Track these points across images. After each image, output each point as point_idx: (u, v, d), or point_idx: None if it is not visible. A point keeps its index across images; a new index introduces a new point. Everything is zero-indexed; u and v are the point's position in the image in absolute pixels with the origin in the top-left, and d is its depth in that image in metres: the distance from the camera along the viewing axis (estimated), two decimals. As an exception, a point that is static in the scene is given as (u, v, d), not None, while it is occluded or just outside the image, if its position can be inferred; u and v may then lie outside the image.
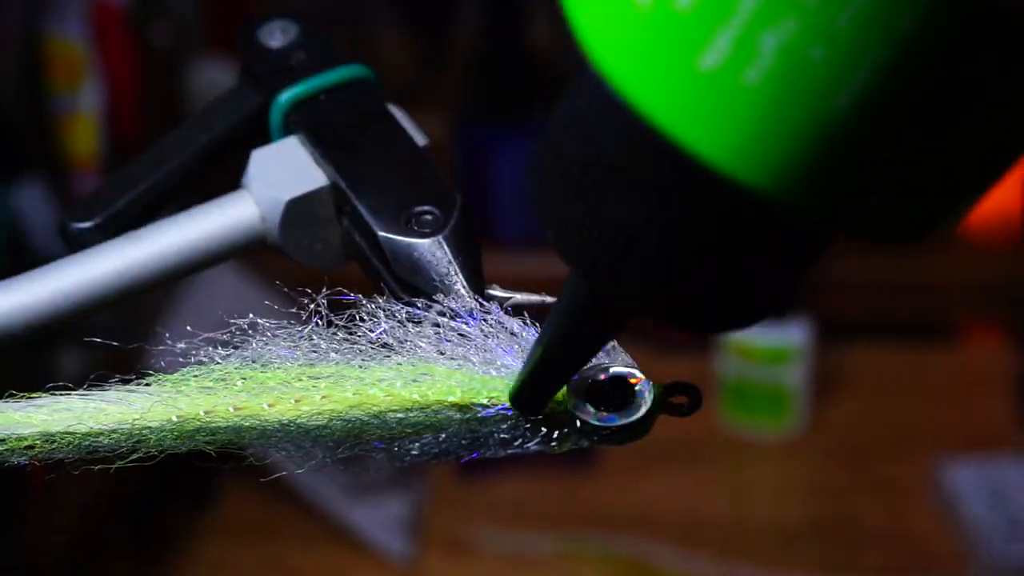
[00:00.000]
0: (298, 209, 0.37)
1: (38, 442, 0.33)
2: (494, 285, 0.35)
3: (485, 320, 0.34)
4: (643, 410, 0.33)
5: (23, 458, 0.33)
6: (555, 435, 0.33)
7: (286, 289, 0.33)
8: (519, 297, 0.35)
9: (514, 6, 1.10)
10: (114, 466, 0.33)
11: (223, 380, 0.33)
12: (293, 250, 0.37)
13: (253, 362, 0.33)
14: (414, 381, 0.33)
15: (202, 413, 0.33)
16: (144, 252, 0.37)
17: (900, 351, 1.09)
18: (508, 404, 0.33)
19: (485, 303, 0.34)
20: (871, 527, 0.89)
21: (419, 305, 0.33)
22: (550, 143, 0.29)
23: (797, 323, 0.95)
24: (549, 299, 0.34)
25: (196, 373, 0.33)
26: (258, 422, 0.33)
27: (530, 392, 0.33)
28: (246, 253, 0.38)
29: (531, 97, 1.10)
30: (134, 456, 0.33)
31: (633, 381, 0.33)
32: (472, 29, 1.15)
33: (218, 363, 0.33)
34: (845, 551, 0.86)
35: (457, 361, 0.33)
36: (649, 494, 0.92)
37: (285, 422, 0.33)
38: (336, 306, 0.34)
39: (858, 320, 1.10)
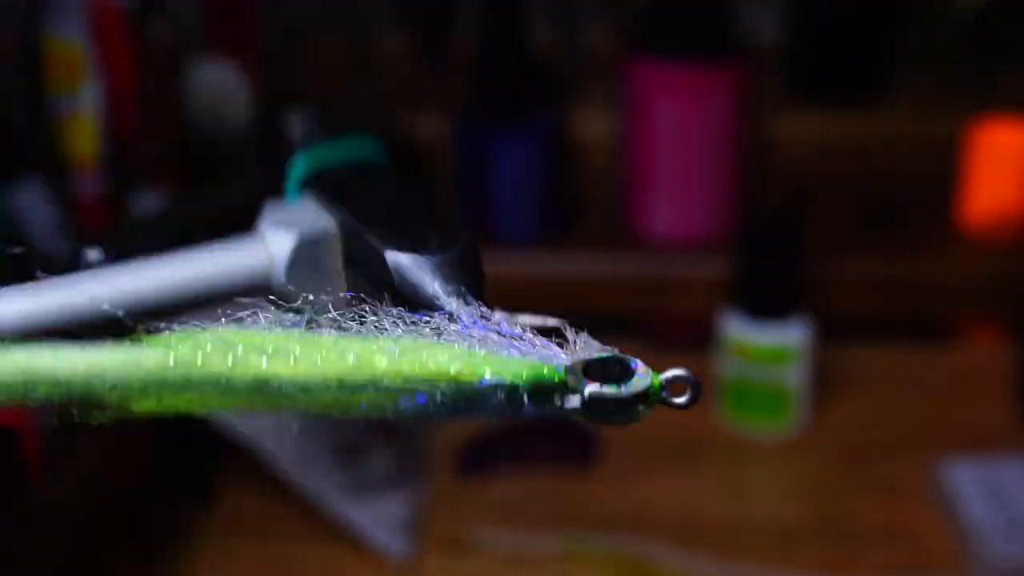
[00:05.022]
0: (307, 251, 0.38)
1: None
2: (496, 308, 0.36)
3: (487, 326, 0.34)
4: (640, 385, 0.33)
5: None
6: (547, 405, 0.33)
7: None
8: (522, 318, 0.35)
9: (514, 6, 1.10)
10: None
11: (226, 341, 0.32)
12: (298, 297, 0.39)
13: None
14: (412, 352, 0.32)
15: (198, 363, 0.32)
16: (146, 279, 0.37)
17: (900, 351, 1.09)
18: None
19: (488, 313, 0.34)
20: (871, 527, 0.89)
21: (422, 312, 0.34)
22: None
23: (797, 323, 0.95)
24: (552, 320, 0.34)
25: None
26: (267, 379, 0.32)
27: None
28: (250, 294, 0.38)
29: (531, 97, 1.10)
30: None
31: (632, 366, 0.33)
32: (472, 29, 1.14)
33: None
34: (845, 551, 0.86)
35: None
36: (649, 494, 0.92)
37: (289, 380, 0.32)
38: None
39: (858, 320, 1.10)
